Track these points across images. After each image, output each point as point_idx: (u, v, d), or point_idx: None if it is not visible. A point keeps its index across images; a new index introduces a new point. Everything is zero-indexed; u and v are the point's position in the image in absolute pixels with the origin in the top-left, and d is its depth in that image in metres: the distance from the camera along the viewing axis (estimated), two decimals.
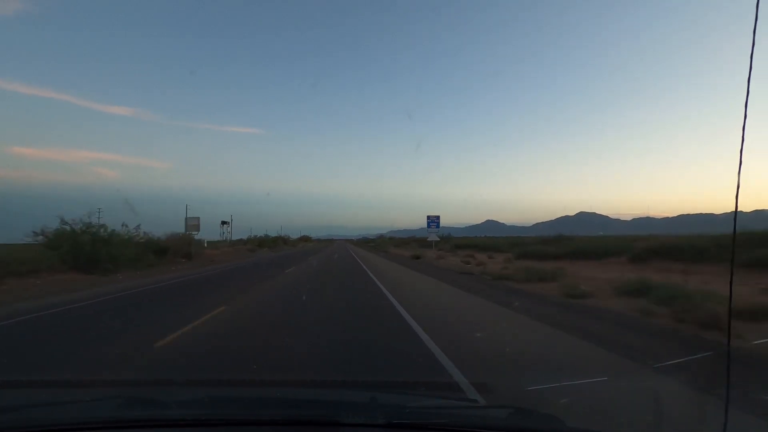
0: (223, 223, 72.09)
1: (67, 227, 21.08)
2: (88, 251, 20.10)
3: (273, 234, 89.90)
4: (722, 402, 1.98)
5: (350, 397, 2.37)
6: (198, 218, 48.53)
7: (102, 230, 22.08)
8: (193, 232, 42.84)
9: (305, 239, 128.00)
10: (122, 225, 23.91)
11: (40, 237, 20.85)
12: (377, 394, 2.07)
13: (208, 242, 48.93)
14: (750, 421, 3.26)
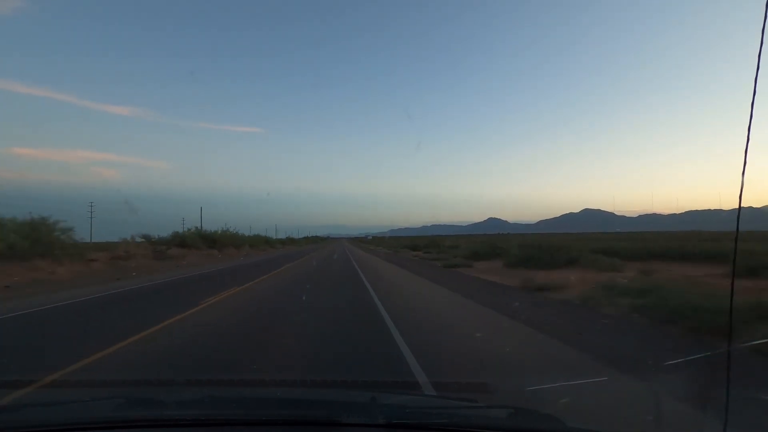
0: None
1: None
2: None
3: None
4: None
5: (350, 397, 2.36)
6: None
7: None
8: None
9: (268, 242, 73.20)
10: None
11: None
12: (377, 394, 2.06)
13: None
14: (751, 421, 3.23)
